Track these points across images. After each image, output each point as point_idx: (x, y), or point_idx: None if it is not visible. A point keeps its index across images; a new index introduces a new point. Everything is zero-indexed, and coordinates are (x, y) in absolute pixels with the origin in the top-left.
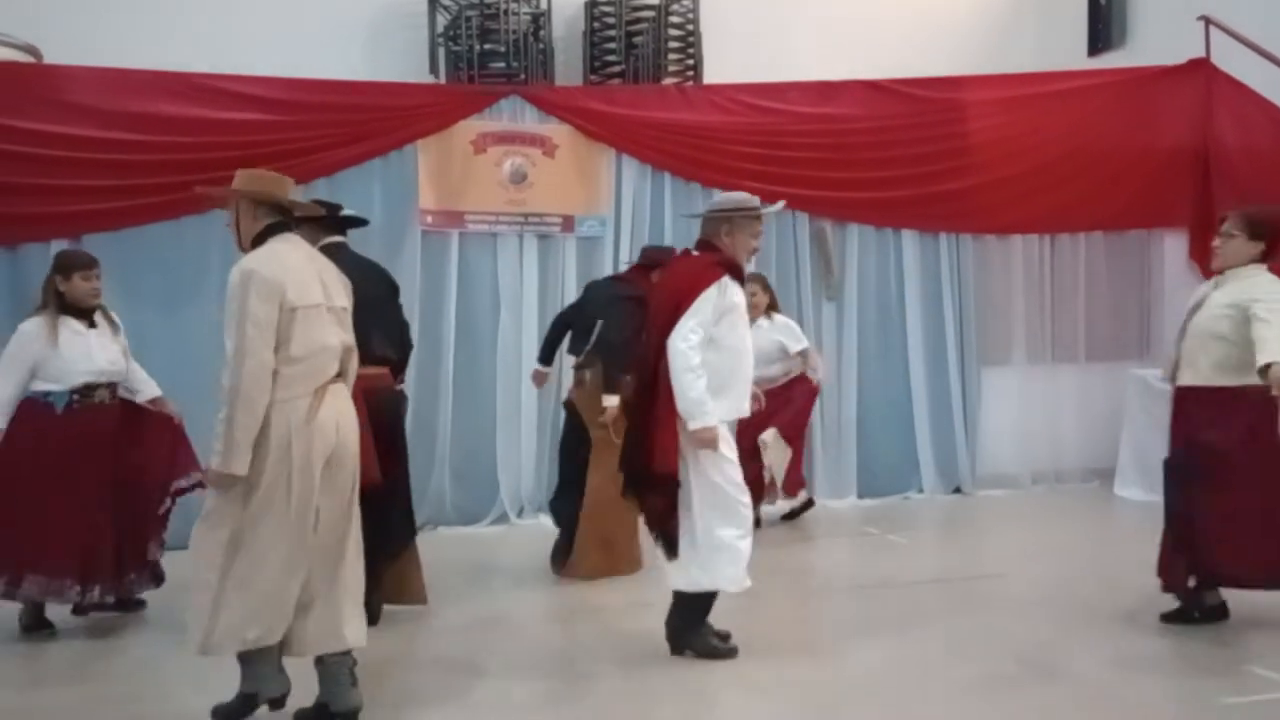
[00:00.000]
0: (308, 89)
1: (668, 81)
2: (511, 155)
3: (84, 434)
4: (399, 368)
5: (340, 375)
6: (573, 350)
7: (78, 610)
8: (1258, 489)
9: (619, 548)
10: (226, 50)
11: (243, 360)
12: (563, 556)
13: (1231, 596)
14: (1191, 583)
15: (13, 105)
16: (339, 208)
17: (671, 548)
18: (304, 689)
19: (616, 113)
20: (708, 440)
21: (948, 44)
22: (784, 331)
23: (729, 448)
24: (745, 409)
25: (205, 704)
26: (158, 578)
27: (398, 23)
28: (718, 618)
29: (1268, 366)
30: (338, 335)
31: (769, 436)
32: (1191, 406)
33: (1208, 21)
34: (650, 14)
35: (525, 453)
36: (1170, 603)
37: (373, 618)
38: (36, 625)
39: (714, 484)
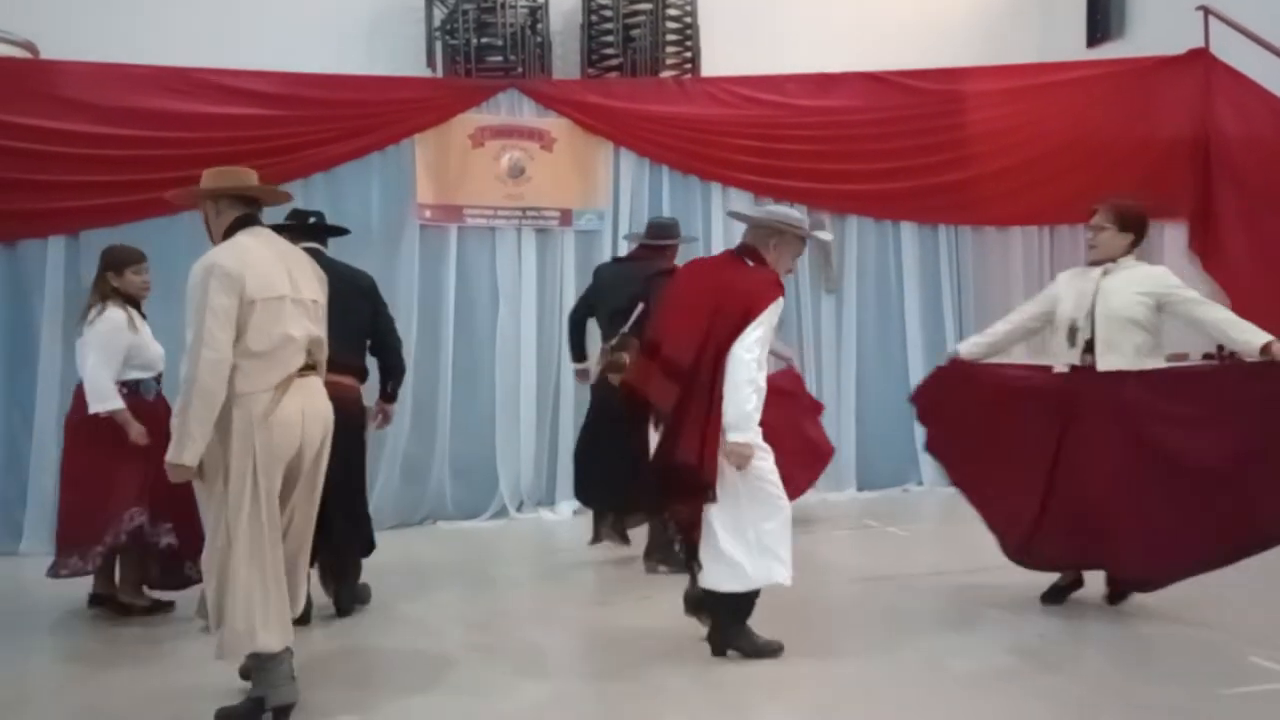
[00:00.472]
0: (305, 84)
1: (665, 74)
2: (509, 149)
3: (164, 421)
4: (391, 371)
5: (311, 368)
6: (604, 334)
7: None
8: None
9: None
10: (224, 45)
11: (200, 351)
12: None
13: (1231, 586)
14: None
15: (9, 101)
16: (308, 216)
17: (693, 555)
18: (305, 690)
19: (614, 106)
20: (745, 455)
21: (946, 35)
22: None
23: (763, 446)
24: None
25: None
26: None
27: (395, 17)
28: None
29: (1268, 345)
30: (303, 327)
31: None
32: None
33: (1207, 11)
34: (648, 7)
35: (525, 446)
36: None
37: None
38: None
39: (753, 481)
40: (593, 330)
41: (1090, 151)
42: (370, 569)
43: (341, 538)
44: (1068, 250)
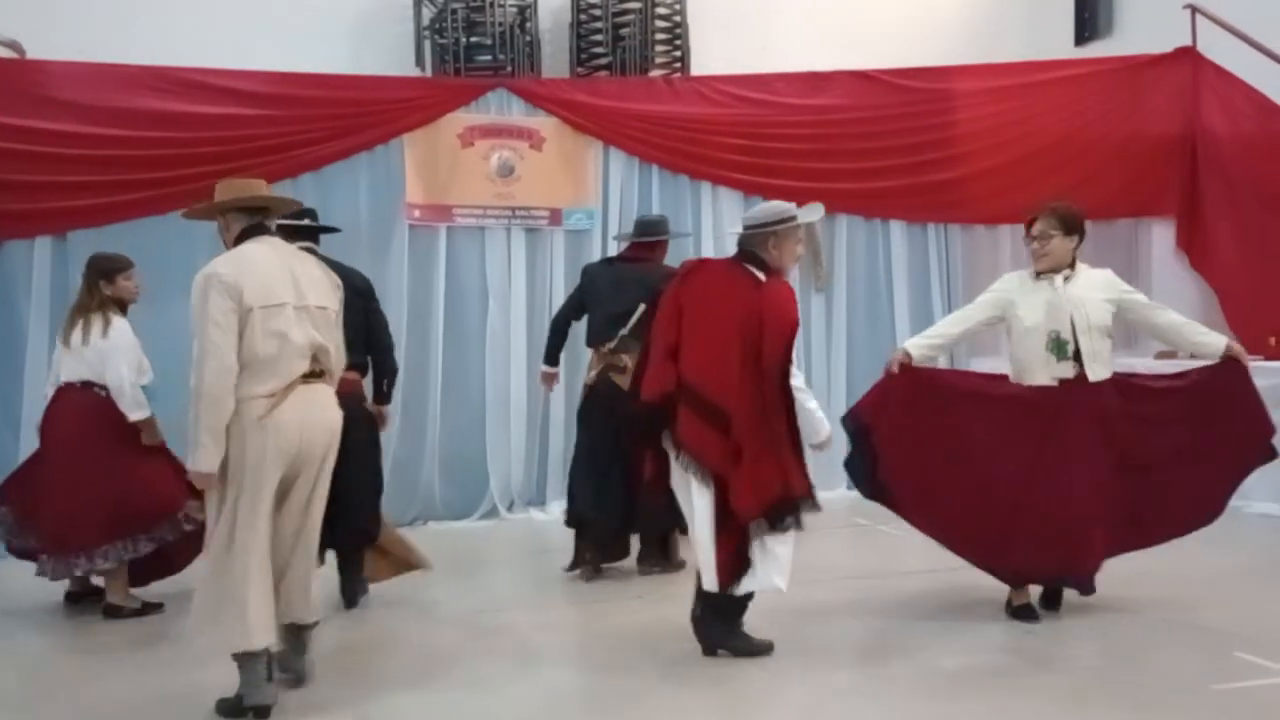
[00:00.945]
0: (293, 83)
1: (655, 73)
2: (499, 148)
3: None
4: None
5: (317, 374)
6: (599, 337)
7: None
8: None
9: None
10: (211, 45)
11: (205, 361)
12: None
13: (1218, 583)
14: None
15: None
16: (304, 215)
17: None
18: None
19: (603, 105)
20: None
21: (935, 33)
22: None
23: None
24: None
25: None
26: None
27: (383, 16)
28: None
29: (1229, 345)
30: (306, 334)
31: None
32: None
33: (1194, 10)
34: (637, 6)
35: (515, 447)
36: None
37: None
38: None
39: None
40: (575, 332)
41: (1079, 149)
42: None
43: (346, 525)
44: None
